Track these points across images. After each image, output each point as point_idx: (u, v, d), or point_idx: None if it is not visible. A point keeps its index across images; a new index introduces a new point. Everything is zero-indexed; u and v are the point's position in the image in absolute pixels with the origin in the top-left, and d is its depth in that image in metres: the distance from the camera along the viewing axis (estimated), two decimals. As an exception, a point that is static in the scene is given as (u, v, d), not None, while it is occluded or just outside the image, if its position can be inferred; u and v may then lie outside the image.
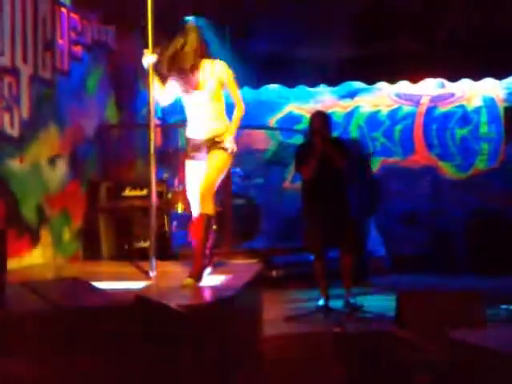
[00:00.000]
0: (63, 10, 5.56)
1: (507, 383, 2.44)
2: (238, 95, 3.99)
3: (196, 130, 3.97)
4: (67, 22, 5.62)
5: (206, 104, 3.92)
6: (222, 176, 3.95)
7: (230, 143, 3.92)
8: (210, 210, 3.84)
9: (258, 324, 4.21)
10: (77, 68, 5.79)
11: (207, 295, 3.61)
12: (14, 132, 4.78)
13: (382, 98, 8.25)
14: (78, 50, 5.83)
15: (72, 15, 5.71)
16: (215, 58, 3.96)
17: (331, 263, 5.35)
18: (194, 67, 3.86)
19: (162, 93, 4.00)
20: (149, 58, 3.96)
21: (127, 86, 6.93)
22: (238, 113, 4.01)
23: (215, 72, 3.89)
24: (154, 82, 3.98)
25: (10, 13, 4.74)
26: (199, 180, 3.92)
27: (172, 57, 3.86)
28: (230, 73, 3.94)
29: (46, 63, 5.24)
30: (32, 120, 4.99)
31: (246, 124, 8.08)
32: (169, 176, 6.53)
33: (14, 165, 4.79)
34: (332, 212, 5.19)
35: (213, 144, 3.91)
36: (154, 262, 4.03)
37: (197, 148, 3.96)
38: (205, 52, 3.93)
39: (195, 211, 3.98)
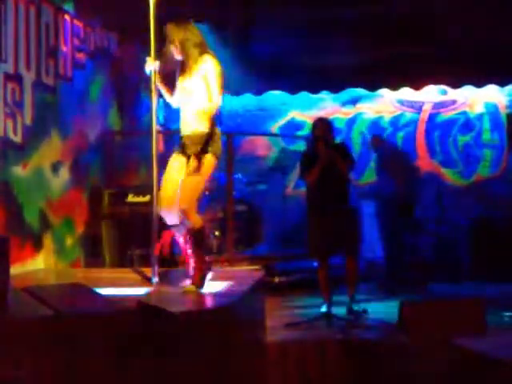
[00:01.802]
0: (66, 17, 5.59)
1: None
2: (214, 89, 3.88)
3: (181, 124, 3.92)
4: (70, 29, 5.64)
5: (191, 99, 3.87)
6: (203, 184, 3.84)
7: (212, 147, 3.82)
8: (198, 222, 3.78)
9: (260, 330, 4.21)
10: (80, 75, 5.81)
11: (209, 302, 3.61)
12: (17, 138, 4.79)
13: (384, 104, 8.26)
14: (81, 56, 5.85)
15: (75, 22, 5.74)
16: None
17: (334, 270, 5.34)
18: (194, 57, 3.85)
19: (168, 97, 4.02)
20: (151, 65, 3.97)
21: (130, 93, 6.95)
22: (209, 102, 3.86)
23: (205, 68, 3.84)
24: (160, 89, 3.99)
25: (14, 19, 4.76)
26: (177, 180, 3.83)
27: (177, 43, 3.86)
28: (218, 69, 3.86)
29: (49, 70, 5.26)
30: (35, 126, 5.00)
31: (249, 130, 8.18)
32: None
33: (17, 171, 4.80)
34: (336, 218, 5.18)
35: (193, 145, 3.80)
36: (156, 268, 4.04)
37: (182, 144, 3.90)
38: (205, 47, 3.91)
39: (171, 214, 3.85)
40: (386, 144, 7.00)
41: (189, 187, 3.77)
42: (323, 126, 5.37)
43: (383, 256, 6.70)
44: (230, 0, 6.36)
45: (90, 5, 5.87)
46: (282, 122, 8.33)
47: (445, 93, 8.19)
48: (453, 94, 8.14)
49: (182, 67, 3.93)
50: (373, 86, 8.06)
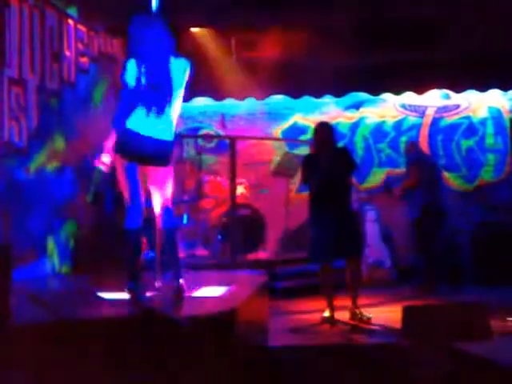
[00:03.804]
0: (70, 21, 5.61)
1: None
2: None
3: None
4: (74, 34, 5.66)
5: None
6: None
7: None
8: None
9: (262, 335, 4.20)
10: (83, 79, 5.83)
11: (211, 306, 3.60)
12: (21, 142, 4.81)
13: (387, 108, 8.26)
14: (84, 61, 5.87)
15: (79, 27, 5.75)
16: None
17: (337, 274, 5.33)
18: None
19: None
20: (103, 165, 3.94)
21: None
22: None
23: None
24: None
25: (18, 24, 4.78)
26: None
27: None
28: None
29: (53, 74, 5.28)
30: (39, 131, 5.02)
31: (252, 135, 8.18)
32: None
33: (21, 175, 4.81)
34: (338, 222, 5.18)
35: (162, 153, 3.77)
36: (159, 272, 4.04)
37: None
38: None
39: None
40: (421, 153, 7.04)
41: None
42: (324, 130, 5.37)
43: (421, 261, 6.72)
44: (232, 6, 6.37)
45: (94, 9, 5.89)
46: (285, 126, 8.34)
47: (448, 97, 8.18)
48: (456, 98, 8.14)
49: None
50: (376, 91, 8.06)
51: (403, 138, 8.10)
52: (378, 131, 8.25)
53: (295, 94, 8.09)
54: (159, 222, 3.86)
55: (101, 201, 5.92)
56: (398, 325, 3.88)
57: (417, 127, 8.22)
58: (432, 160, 7.40)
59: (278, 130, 8.34)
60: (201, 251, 7.08)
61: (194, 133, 8.17)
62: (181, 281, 3.77)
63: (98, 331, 2.79)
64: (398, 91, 8.05)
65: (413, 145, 7.18)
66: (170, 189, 3.84)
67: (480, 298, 5.70)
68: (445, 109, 8.20)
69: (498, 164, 8.07)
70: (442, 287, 6.53)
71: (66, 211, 5.46)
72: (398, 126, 8.25)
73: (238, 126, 8.19)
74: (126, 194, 3.78)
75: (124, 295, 3.70)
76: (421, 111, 8.23)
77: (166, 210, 3.82)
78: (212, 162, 8.06)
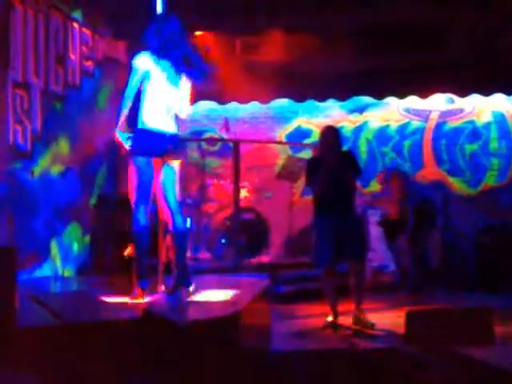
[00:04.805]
0: (75, 25, 5.63)
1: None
2: None
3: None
4: (79, 37, 5.68)
5: None
6: None
7: None
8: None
9: (265, 339, 4.20)
10: (88, 83, 5.84)
11: (214, 310, 3.60)
12: (25, 145, 4.82)
13: (391, 112, 8.25)
14: (89, 64, 5.89)
15: (84, 30, 5.77)
16: None
17: (341, 278, 5.32)
18: None
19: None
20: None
21: (137, 101, 6.96)
22: None
23: None
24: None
25: (22, 27, 4.80)
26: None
27: None
28: None
29: (58, 78, 5.30)
30: (43, 134, 5.03)
31: (255, 138, 8.19)
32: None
33: (25, 178, 4.82)
34: (342, 226, 5.17)
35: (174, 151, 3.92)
36: (162, 276, 4.04)
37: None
38: None
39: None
40: (397, 178, 7.06)
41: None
42: (331, 133, 5.37)
43: (413, 267, 6.72)
44: (235, 10, 6.38)
45: (99, 13, 5.91)
46: (288, 129, 8.34)
47: (452, 101, 8.17)
48: (460, 102, 8.13)
49: None
50: (379, 94, 8.06)
51: (407, 142, 8.09)
52: (382, 135, 8.24)
53: (299, 97, 8.09)
54: (170, 225, 3.90)
55: (104, 204, 5.93)
56: (401, 329, 3.87)
57: (420, 131, 8.22)
58: (402, 172, 7.39)
59: (281, 134, 8.35)
60: (204, 255, 7.08)
61: (197, 136, 8.18)
62: (191, 287, 3.88)
63: (100, 334, 2.79)
64: (401, 95, 8.04)
65: (385, 176, 7.15)
66: (177, 190, 3.91)
67: (483, 302, 5.69)
68: (448, 113, 8.19)
69: (501, 168, 8.06)
70: (444, 292, 6.51)
71: (69, 214, 5.46)
72: (401, 129, 8.24)
73: (241, 129, 8.19)
74: (133, 197, 3.82)
75: (127, 298, 3.70)
76: (424, 115, 8.22)
77: (177, 212, 3.87)
78: (216, 165, 8.07)
